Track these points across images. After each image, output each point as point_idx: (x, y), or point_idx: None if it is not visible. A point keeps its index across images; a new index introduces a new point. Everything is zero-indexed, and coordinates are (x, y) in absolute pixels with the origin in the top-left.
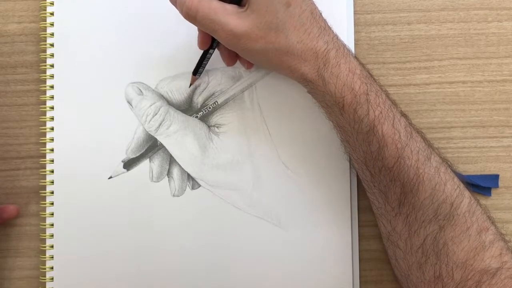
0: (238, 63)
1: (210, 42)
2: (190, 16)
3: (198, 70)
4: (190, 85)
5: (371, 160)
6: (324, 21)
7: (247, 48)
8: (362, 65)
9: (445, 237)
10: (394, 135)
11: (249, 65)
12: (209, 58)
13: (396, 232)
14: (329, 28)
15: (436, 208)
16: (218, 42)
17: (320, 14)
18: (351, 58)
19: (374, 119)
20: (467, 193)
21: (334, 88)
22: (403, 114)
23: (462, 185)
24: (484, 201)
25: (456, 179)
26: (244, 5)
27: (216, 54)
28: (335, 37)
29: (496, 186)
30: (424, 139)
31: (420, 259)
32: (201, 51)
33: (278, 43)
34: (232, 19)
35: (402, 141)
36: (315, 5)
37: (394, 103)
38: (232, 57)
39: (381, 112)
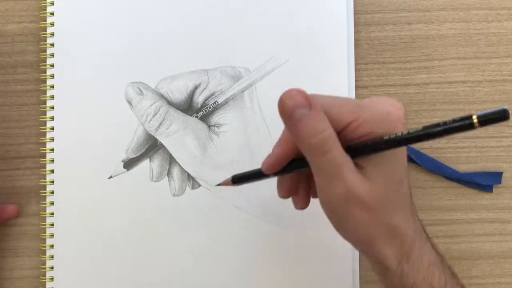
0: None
1: (282, 167)
2: (321, 149)
3: (239, 182)
4: (219, 184)
5: None
6: (413, 204)
7: (349, 217)
8: (434, 244)
9: None
10: None
11: (303, 206)
12: (261, 180)
13: None
14: (416, 212)
15: None
16: (291, 172)
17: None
18: (429, 244)
19: None
20: None
21: (412, 282)
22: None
23: None
24: (484, 200)
25: None
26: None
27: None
28: (419, 223)
29: (499, 183)
30: None
31: None
32: None
33: (379, 222)
34: (354, 178)
35: None
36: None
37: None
38: (292, 190)
39: None
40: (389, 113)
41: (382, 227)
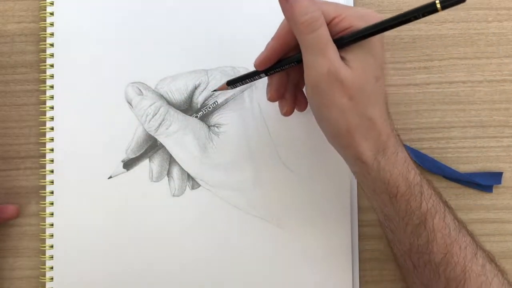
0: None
1: (273, 63)
2: (311, 26)
3: (235, 84)
4: (216, 90)
5: (417, 253)
6: (388, 109)
7: (331, 97)
8: (410, 155)
9: None
10: (444, 230)
11: (288, 111)
12: (254, 80)
13: None
14: (391, 116)
15: None
16: (279, 71)
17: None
18: (405, 148)
19: (426, 212)
20: None
21: (389, 176)
22: (448, 205)
23: (506, 282)
24: (484, 200)
25: (500, 276)
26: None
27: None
28: (394, 126)
29: (499, 183)
30: (469, 232)
31: None
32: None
33: (356, 111)
34: (338, 60)
35: (451, 236)
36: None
37: (440, 195)
38: (279, 93)
39: (433, 205)
40: (367, 13)
41: (359, 117)
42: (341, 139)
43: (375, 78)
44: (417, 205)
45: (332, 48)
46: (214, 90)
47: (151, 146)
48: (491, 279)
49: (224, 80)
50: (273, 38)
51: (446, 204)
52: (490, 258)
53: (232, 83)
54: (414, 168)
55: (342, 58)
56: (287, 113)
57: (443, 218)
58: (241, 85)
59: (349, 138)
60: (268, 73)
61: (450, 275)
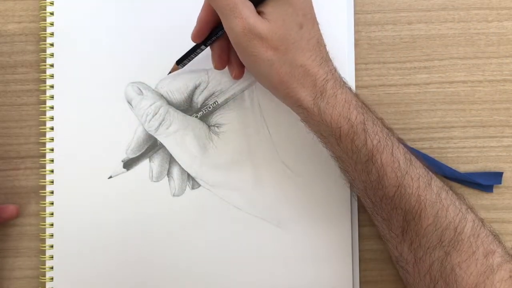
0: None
1: (207, 33)
2: None
3: (183, 62)
4: (169, 72)
5: (371, 189)
6: (327, 52)
7: (255, 53)
8: (358, 95)
9: (452, 262)
10: (393, 164)
11: (237, 74)
12: (198, 53)
13: (403, 257)
14: (330, 60)
15: (440, 234)
16: (215, 40)
17: (325, 45)
18: (347, 89)
19: (373, 149)
20: (470, 216)
21: (330, 118)
22: (401, 141)
23: (464, 208)
24: (484, 200)
25: (457, 203)
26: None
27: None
28: (334, 69)
29: (499, 183)
30: (424, 164)
31: (429, 285)
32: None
33: (285, 61)
34: (252, 15)
35: (402, 169)
36: (321, 34)
37: (391, 130)
38: (223, 60)
39: (379, 141)
40: None
41: (290, 66)
42: (278, 90)
43: (298, 25)
44: (362, 143)
45: (243, 6)
46: (169, 73)
47: (151, 146)
48: (447, 206)
49: (225, 79)
50: (201, 10)
51: (398, 140)
52: (449, 187)
53: (181, 62)
54: (357, 108)
55: (261, 12)
56: (236, 76)
57: (391, 153)
58: (189, 62)
59: (285, 88)
60: (207, 44)
61: (406, 207)
